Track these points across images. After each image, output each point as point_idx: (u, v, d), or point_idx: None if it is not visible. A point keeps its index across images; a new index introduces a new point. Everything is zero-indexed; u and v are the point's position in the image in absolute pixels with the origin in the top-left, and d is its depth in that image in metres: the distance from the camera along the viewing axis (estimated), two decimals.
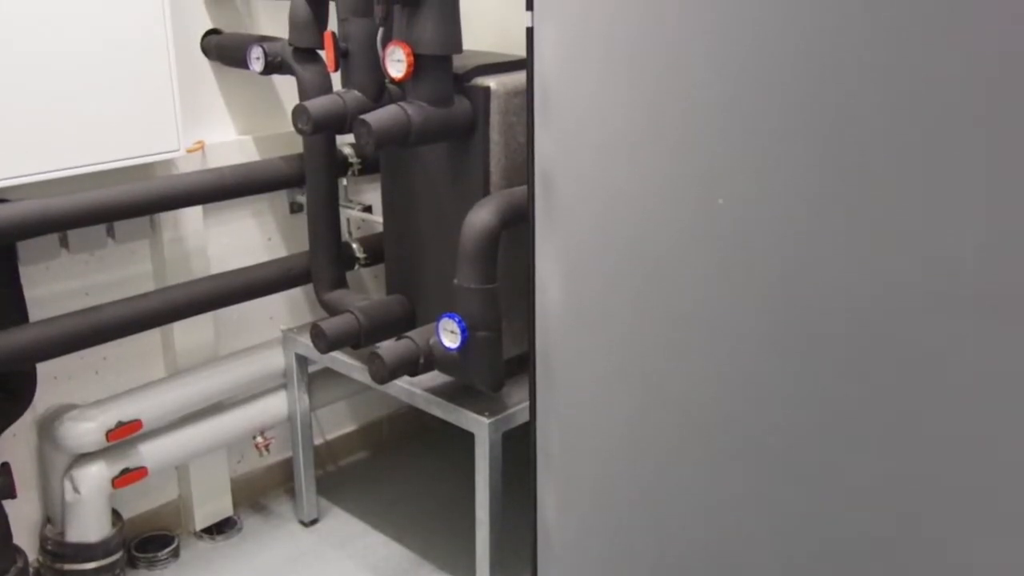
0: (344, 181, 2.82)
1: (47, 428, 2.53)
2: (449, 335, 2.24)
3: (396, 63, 2.15)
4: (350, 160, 2.81)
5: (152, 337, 2.78)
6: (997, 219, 1.06)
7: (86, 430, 2.48)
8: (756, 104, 1.24)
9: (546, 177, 1.60)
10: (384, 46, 2.18)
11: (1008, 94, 1.02)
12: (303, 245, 2.90)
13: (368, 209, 2.85)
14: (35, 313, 2.45)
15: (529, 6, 1.57)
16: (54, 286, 2.54)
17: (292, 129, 2.31)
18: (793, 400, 1.32)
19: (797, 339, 1.30)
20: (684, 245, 1.40)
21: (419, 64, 2.14)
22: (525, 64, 1.62)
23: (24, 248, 2.43)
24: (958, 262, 1.10)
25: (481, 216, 2.20)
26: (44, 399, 2.56)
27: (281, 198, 2.98)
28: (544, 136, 1.59)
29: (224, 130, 2.82)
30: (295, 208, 3.01)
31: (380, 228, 2.72)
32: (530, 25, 1.57)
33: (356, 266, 2.86)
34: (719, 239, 1.34)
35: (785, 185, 1.24)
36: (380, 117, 2.12)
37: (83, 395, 2.64)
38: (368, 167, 2.84)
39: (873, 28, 1.11)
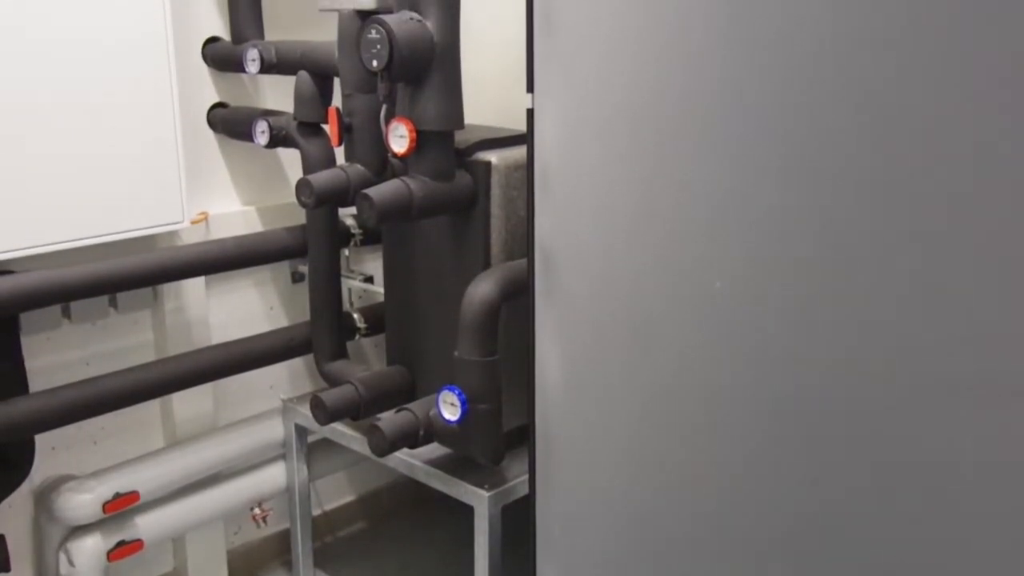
0: (346, 251, 2.84)
1: (44, 499, 2.51)
2: (449, 408, 2.24)
3: (399, 139, 2.18)
4: (352, 231, 2.84)
5: (151, 406, 2.78)
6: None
7: (82, 502, 2.47)
8: (753, 188, 1.26)
9: (545, 254, 1.62)
10: (387, 122, 2.22)
11: None
12: (304, 314, 2.92)
13: (369, 279, 2.87)
14: (35, 383, 2.45)
15: (530, 88, 1.60)
16: (55, 356, 2.55)
17: (295, 200, 2.34)
18: (800, 478, 1.32)
19: (798, 417, 1.30)
20: (683, 325, 1.41)
21: (421, 140, 2.17)
22: (526, 139, 1.64)
23: (26, 318, 2.44)
24: (959, 369, 1.11)
25: (482, 289, 2.22)
26: (42, 469, 2.55)
27: (283, 268, 3.01)
28: (544, 214, 1.61)
29: (228, 201, 2.86)
30: (297, 278, 3.03)
31: (381, 298, 2.74)
32: (531, 107, 1.60)
33: (357, 336, 2.87)
34: (717, 320, 1.35)
35: (783, 269, 1.25)
36: (382, 192, 2.14)
37: (81, 466, 2.63)
38: (370, 237, 2.87)
39: (870, 126, 1.14)
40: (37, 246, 2.25)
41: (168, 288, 2.69)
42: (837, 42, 1.15)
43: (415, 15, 2.12)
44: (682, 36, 1.31)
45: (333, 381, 2.68)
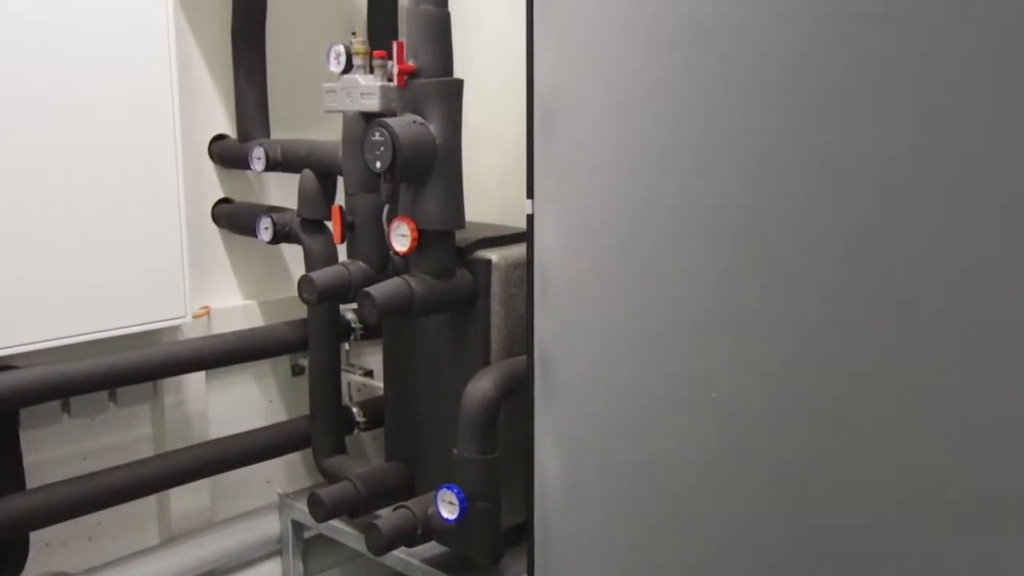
0: (346, 345, 2.85)
1: None
2: (448, 506, 2.22)
3: (401, 238, 2.21)
4: (353, 325, 2.86)
5: (147, 501, 2.75)
6: None
7: None
8: (746, 295, 1.28)
9: (545, 356, 1.64)
10: (389, 221, 2.25)
11: None
12: (304, 407, 2.91)
13: (369, 374, 2.87)
14: (33, 479, 2.43)
15: (530, 194, 1.64)
16: (53, 451, 2.54)
17: (297, 294, 2.36)
18: None
19: (797, 528, 1.30)
20: (681, 431, 1.42)
21: (423, 239, 2.20)
22: (525, 237, 1.67)
23: (26, 413, 2.44)
24: (957, 489, 1.11)
25: (481, 386, 2.22)
26: (35, 566, 2.51)
27: (283, 361, 3.02)
28: (543, 317, 1.63)
29: (230, 295, 2.88)
30: (297, 371, 3.04)
31: (381, 392, 2.74)
32: (530, 212, 1.64)
33: (356, 430, 2.86)
34: (715, 426, 1.36)
35: (775, 384, 1.27)
36: (384, 290, 2.17)
37: (75, 562, 2.60)
38: (370, 332, 2.88)
39: (856, 242, 1.16)
40: (39, 342, 2.26)
41: (168, 383, 2.70)
42: (822, 168, 1.18)
43: (418, 118, 2.17)
44: (676, 150, 1.34)
45: (331, 477, 2.67)
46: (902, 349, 1.14)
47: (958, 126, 1.05)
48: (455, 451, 2.22)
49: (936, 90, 1.06)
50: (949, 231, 1.08)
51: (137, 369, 2.39)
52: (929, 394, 1.13)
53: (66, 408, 2.54)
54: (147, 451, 2.71)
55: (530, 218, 1.64)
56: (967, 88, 1.03)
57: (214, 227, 2.84)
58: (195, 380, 2.75)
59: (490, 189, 2.61)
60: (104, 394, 2.59)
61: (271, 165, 2.65)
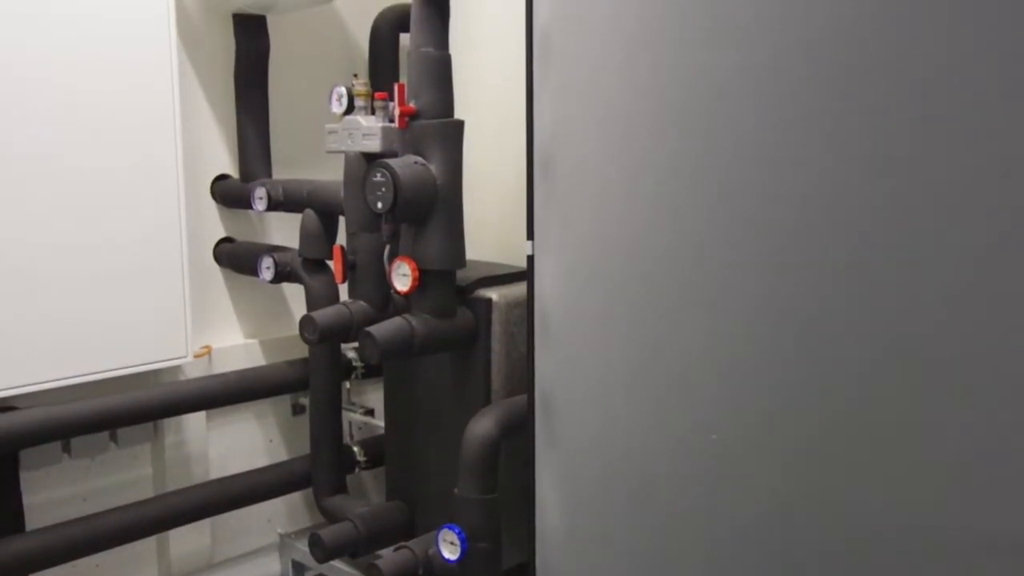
0: (347, 384, 2.85)
1: None
2: (449, 547, 2.21)
3: (402, 277, 2.22)
4: (354, 363, 2.86)
5: (147, 541, 2.74)
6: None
7: None
8: (747, 359, 1.28)
9: (545, 399, 1.64)
10: (390, 261, 2.27)
11: None
12: (304, 446, 2.91)
13: (370, 412, 2.87)
14: (32, 520, 2.43)
15: (530, 235, 1.65)
16: (53, 492, 2.53)
17: (298, 332, 2.36)
18: None
19: (795, 570, 1.30)
20: (681, 476, 1.41)
21: (424, 279, 2.21)
22: (526, 276, 1.68)
23: (26, 454, 2.43)
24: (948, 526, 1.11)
25: (482, 426, 2.22)
26: None
27: (284, 400, 3.01)
28: (543, 360, 1.63)
29: (232, 334, 2.89)
30: (297, 410, 3.04)
31: (382, 431, 2.74)
32: (530, 253, 1.64)
33: (357, 469, 2.85)
34: (715, 472, 1.36)
35: (772, 432, 1.27)
36: (385, 329, 2.17)
37: None
38: (371, 370, 2.88)
39: (856, 289, 1.17)
40: (40, 383, 2.26)
41: (169, 423, 2.70)
42: (821, 220, 1.19)
43: (419, 159, 2.19)
44: (674, 196, 1.35)
45: (332, 516, 2.65)
46: (897, 397, 1.15)
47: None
48: (456, 491, 2.22)
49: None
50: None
51: (138, 410, 2.39)
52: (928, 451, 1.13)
53: (67, 449, 2.53)
54: (147, 491, 2.70)
55: (530, 259, 1.64)
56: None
57: (216, 266, 2.86)
58: (196, 420, 2.75)
59: (490, 228, 2.62)
60: (105, 434, 2.58)
61: (273, 205, 2.67)
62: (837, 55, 1.13)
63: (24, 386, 2.23)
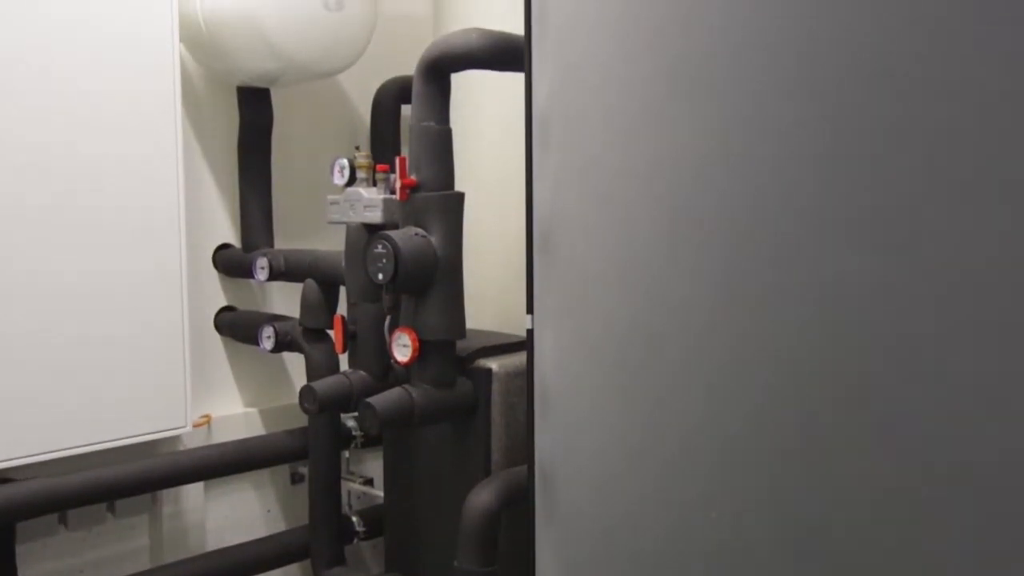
0: (346, 453, 2.84)
1: None
2: None
3: (402, 348, 2.23)
4: (353, 432, 2.85)
5: None
6: None
7: None
8: (747, 436, 1.28)
9: (545, 473, 1.63)
10: (391, 331, 2.27)
11: None
12: (303, 516, 2.88)
13: (369, 482, 2.86)
14: None
15: (529, 309, 1.66)
16: (49, 564, 2.51)
17: (297, 401, 2.36)
18: None
19: None
20: (683, 558, 1.40)
21: (424, 349, 2.22)
22: (525, 347, 1.68)
23: (22, 526, 2.41)
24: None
25: (482, 497, 2.21)
26: None
27: (282, 469, 3.00)
28: (544, 433, 1.63)
29: (231, 403, 2.89)
30: (296, 479, 3.02)
31: (381, 500, 2.72)
32: (530, 327, 1.65)
33: (355, 540, 2.83)
34: (715, 554, 1.35)
35: (774, 509, 1.27)
36: (385, 400, 2.17)
37: None
38: (371, 439, 2.87)
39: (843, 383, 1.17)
40: (37, 454, 2.25)
41: (167, 492, 2.68)
42: (821, 299, 1.20)
43: (420, 230, 2.21)
44: (668, 272, 1.36)
45: None
46: (907, 524, 1.14)
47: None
48: (455, 563, 2.19)
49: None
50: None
51: (136, 481, 2.38)
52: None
53: (63, 520, 2.51)
54: (144, 562, 2.67)
55: (530, 333, 1.65)
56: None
57: (216, 335, 2.86)
58: (193, 490, 2.74)
59: (490, 297, 2.63)
60: (102, 505, 2.57)
61: (275, 275, 2.68)
62: (851, 163, 1.14)
63: (20, 458, 2.22)
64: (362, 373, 2.42)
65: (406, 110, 2.77)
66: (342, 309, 2.55)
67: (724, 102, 1.26)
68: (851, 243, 1.15)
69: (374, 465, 3.08)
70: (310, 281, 2.61)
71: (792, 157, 1.20)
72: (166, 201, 2.49)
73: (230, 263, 2.85)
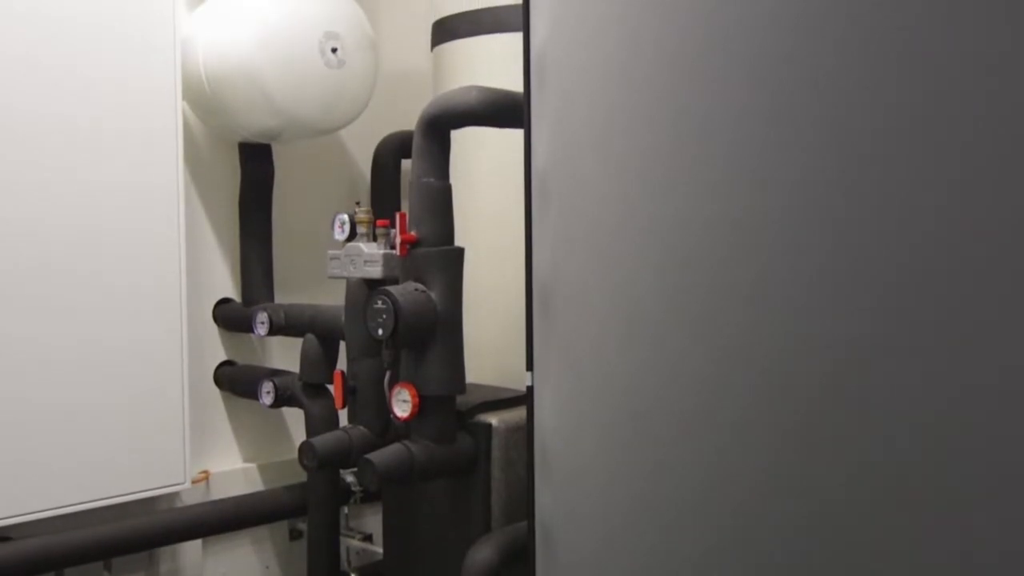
0: (345, 509, 2.82)
1: None
2: None
3: (402, 403, 2.22)
4: (353, 488, 2.83)
5: None
6: None
7: None
8: (746, 498, 1.28)
9: (546, 532, 1.62)
10: (390, 387, 2.27)
11: None
12: (302, 572, 2.85)
13: (368, 538, 2.83)
14: None
15: (529, 366, 1.66)
16: None
17: (297, 457, 2.35)
18: None
19: None
20: None
21: (424, 405, 2.21)
22: (525, 402, 1.68)
23: None
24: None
25: (483, 554, 2.19)
26: None
27: (281, 525, 2.97)
28: (544, 492, 1.62)
29: (230, 458, 2.87)
30: (295, 535, 2.99)
31: (380, 557, 2.69)
32: (530, 384, 1.65)
33: None
34: None
35: (782, 570, 1.26)
36: (384, 456, 2.16)
37: None
38: (370, 495, 2.85)
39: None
40: (35, 512, 2.24)
41: (164, 549, 2.65)
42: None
43: (419, 286, 2.22)
44: (669, 335, 1.37)
45: None
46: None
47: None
48: None
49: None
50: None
51: (134, 539, 2.37)
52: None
53: None
54: None
55: (530, 390, 1.65)
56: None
57: (216, 389, 2.86)
58: (192, 547, 2.71)
59: (489, 352, 2.63)
60: (99, 564, 2.54)
61: (274, 330, 2.69)
62: (863, 227, 1.14)
63: (18, 516, 2.21)
64: (362, 429, 2.41)
65: (406, 164, 2.80)
66: (342, 364, 2.55)
67: (726, 164, 1.27)
68: (861, 309, 1.15)
69: (373, 520, 3.06)
70: (310, 336, 2.62)
71: (798, 222, 1.20)
72: (167, 256, 2.50)
73: (230, 318, 2.85)
